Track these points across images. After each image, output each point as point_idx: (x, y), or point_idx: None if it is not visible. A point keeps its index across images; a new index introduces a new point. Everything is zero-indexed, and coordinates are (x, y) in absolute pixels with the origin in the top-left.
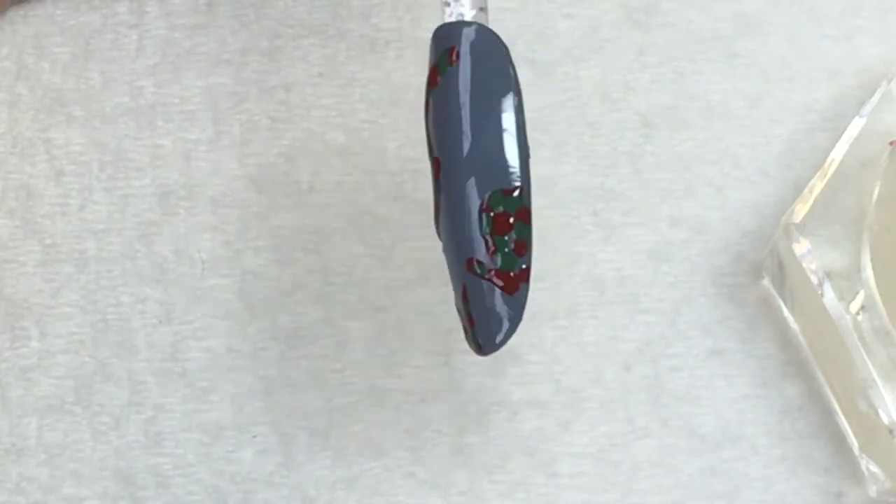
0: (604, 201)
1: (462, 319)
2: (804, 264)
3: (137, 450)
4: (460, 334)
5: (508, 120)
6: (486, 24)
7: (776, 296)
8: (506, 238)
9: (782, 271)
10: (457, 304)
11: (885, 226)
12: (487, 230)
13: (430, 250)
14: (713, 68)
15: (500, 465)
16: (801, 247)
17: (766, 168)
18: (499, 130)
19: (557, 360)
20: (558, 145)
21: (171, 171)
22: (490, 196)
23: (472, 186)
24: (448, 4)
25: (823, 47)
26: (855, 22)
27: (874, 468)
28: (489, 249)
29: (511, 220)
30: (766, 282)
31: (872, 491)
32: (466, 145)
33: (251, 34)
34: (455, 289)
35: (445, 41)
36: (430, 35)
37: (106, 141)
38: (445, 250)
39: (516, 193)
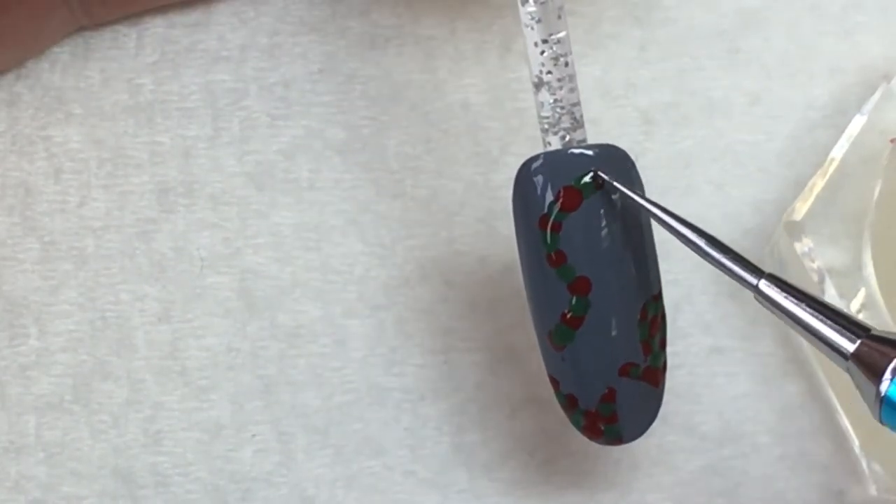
0: None
1: (581, 414)
2: (805, 262)
3: (136, 448)
4: (460, 332)
5: (648, 231)
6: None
7: None
8: (655, 338)
9: (783, 269)
10: (585, 404)
11: (886, 224)
12: (645, 335)
13: (430, 248)
14: (714, 65)
15: (499, 463)
16: (802, 245)
17: (767, 165)
18: (641, 243)
19: None
20: None
21: (170, 168)
22: (645, 304)
23: (628, 299)
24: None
25: (825, 44)
26: (856, 19)
27: (875, 466)
28: (644, 353)
29: (659, 321)
30: None
31: (873, 489)
32: (619, 263)
33: (250, 31)
34: (585, 390)
35: (584, 165)
36: (429, 32)
37: (105, 138)
38: (571, 358)
39: (660, 296)
